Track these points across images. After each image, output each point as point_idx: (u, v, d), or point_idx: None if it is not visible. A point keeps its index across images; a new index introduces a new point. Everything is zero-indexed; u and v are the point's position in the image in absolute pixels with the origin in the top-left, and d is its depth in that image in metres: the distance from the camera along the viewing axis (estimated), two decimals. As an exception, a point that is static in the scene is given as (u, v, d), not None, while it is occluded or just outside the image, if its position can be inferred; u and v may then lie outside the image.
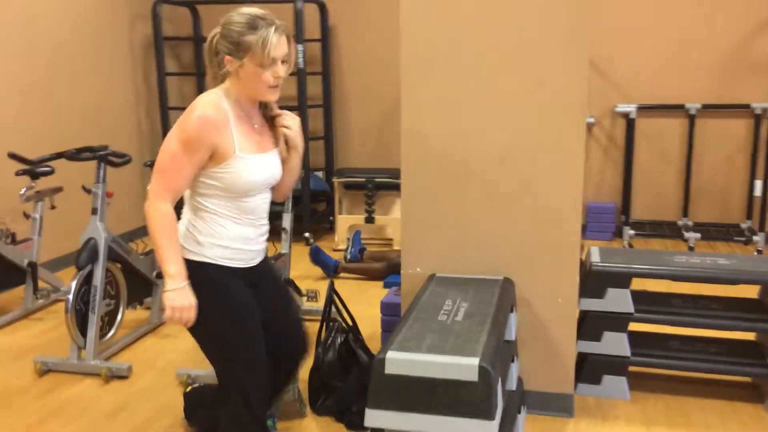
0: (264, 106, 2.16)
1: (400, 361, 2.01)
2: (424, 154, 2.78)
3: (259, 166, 2.05)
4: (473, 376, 1.94)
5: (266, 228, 2.19)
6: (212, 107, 1.97)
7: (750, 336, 3.17)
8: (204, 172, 2.00)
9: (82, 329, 3.27)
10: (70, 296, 3.18)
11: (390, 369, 2.00)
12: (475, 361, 1.96)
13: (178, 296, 1.95)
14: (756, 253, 5.01)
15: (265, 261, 2.25)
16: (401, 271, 2.90)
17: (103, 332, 3.39)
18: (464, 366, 1.95)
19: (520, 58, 2.63)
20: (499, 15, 2.62)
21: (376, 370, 2.02)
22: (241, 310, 2.08)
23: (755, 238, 5.07)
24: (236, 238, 2.07)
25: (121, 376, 3.22)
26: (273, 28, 1.98)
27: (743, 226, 5.36)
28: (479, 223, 2.79)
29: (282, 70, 2.02)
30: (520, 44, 2.62)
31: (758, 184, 5.29)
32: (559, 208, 2.70)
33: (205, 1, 5.82)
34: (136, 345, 3.60)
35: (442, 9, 2.67)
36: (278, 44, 1.99)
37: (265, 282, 2.22)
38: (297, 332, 2.31)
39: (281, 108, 2.20)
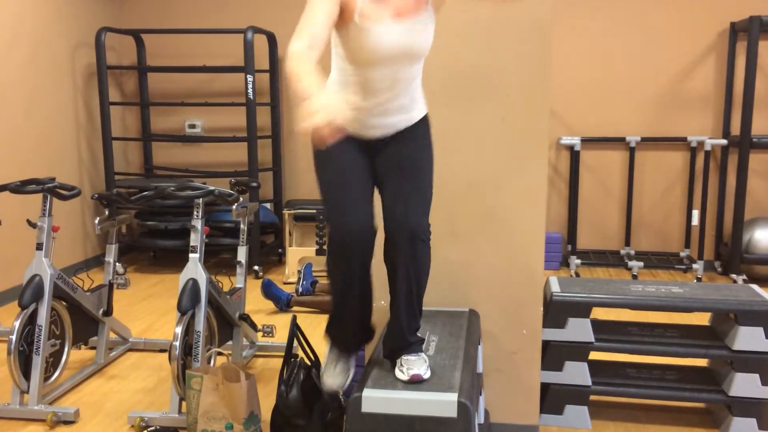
0: None
1: (376, 399, 1.96)
2: (388, 187, 2.77)
3: (386, 35, 1.94)
4: (452, 413, 1.92)
5: (394, 103, 2.08)
6: None
7: (703, 362, 3.25)
8: (334, 33, 1.98)
9: (25, 372, 3.09)
10: (13, 337, 3.00)
11: (366, 407, 1.96)
12: (453, 396, 1.94)
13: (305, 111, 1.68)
14: (695, 281, 5.19)
15: (399, 134, 2.14)
16: (365, 305, 2.85)
17: (47, 374, 3.21)
18: (443, 402, 1.93)
19: (485, 92, 2.67)
20: (466, 49, 2.66)
21: (352, 408, 1.97)
22: (331, 157, 2.11)
23: (694, 266, 5.26)
24: (348, 104, 1.97)
25: (68, 421, 3.04)
26: None
27: (682, 254, 5.55)
28: (443, 255, 2.78)
29: None
30: (486, 78, 2.66)
31: (695, 214, 5.51)
32: (522, 239, 2.73)
33: (150, 31, 5.71)
34: (82, 387, 3.42)
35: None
36: None
37: (392, 152, 2.14)
38: (406, 226, 2.08)
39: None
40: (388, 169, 2.15)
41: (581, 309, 2.95)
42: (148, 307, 4.68)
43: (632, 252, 5.62)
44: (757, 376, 2.85)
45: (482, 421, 2.60)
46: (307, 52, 1.80)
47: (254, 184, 3.84)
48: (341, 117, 1.62)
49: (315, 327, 4.21)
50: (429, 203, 2.15)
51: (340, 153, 2.10)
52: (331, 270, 2.15)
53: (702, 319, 3.95)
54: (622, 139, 5.53)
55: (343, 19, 1.94)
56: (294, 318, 2.91)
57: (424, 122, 2.22)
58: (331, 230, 2.08)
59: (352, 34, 1.94)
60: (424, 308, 2.74)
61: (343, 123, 1.64)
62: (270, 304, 4.66)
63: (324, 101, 1.61)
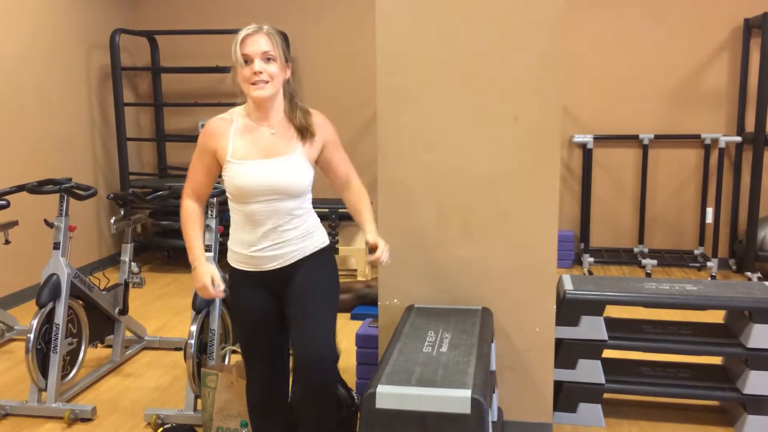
0: (299, 115, 2.29)
1: (390, 395, 1.98)
2: (401, 184, 2.78)
3: (254, 173, 2.14)
4: (466, 409, 1.93)
5: (282, 236, 2.21)
6: (218, 118, 2.24)
7: (717, 360, 3.24)
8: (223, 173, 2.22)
9: (43, 370, 3.13)
10: (31, 335, 3.04)
11: (381, 403, 1.97)
12: (467, 393, 1.94)
13: (195, 276, 2.22)
14: (710, 278, 5.16)
15: (296, 269, 2.24)
16: (378, 303, 2.87)
17: (64, 372, 3.24)
18: (456, 398, 1.94)
19: (498, 91, 2.67)
20: (479, 48, 2.66)
21: (366, 404, 1.98)
22: (240, 313, 2.33)
23: (709, 263, 5.23)
24: (238, 242, 2.26)
25: (85, 419, 3.08)
26: (247, 29, 2.14)
27: (696, 252, 5.52)
28: (456, 253, 2.79)
29: (260, 65, 2.11)
30: (498, 77, 2.66)
31: (709, 212, 5.48)
32: (535, 237, 2.73)
33: (164, 32, 5.75)
34: (99, 385, 3.46)
35: (420, 40, 2.70)
36: (250, 42, 2.12)
37: (290, 291, 2.25)
38: (308, 353, 2.20)
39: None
40: (289, 304, 2.26)
41: (594, 307, 2.95)
42: (162, 306, 4.72)
43: (646, 250, 5.59)
44: (772, 373, 2.84)
45: (495, 419, 2.60)
46: (194, 205, 2.29)
47: (267, 184, 3.85)
48: (218, 279, 2.21)
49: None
50: (331, 326, 2.26)
51: (249, 306, 2.29)
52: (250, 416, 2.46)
53: (716, 317, 3.93)
54: (635, 137, 5.51)
55: (221, 160, 2.21)
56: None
57: (322, 254, 2.29)
58: (247, 386, 2.42)
59: (228, 172, 2.19)
60: (438, 306, 2.75)
61: (220, 283, 2.21)
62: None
63: (204, 269, 2.21)
